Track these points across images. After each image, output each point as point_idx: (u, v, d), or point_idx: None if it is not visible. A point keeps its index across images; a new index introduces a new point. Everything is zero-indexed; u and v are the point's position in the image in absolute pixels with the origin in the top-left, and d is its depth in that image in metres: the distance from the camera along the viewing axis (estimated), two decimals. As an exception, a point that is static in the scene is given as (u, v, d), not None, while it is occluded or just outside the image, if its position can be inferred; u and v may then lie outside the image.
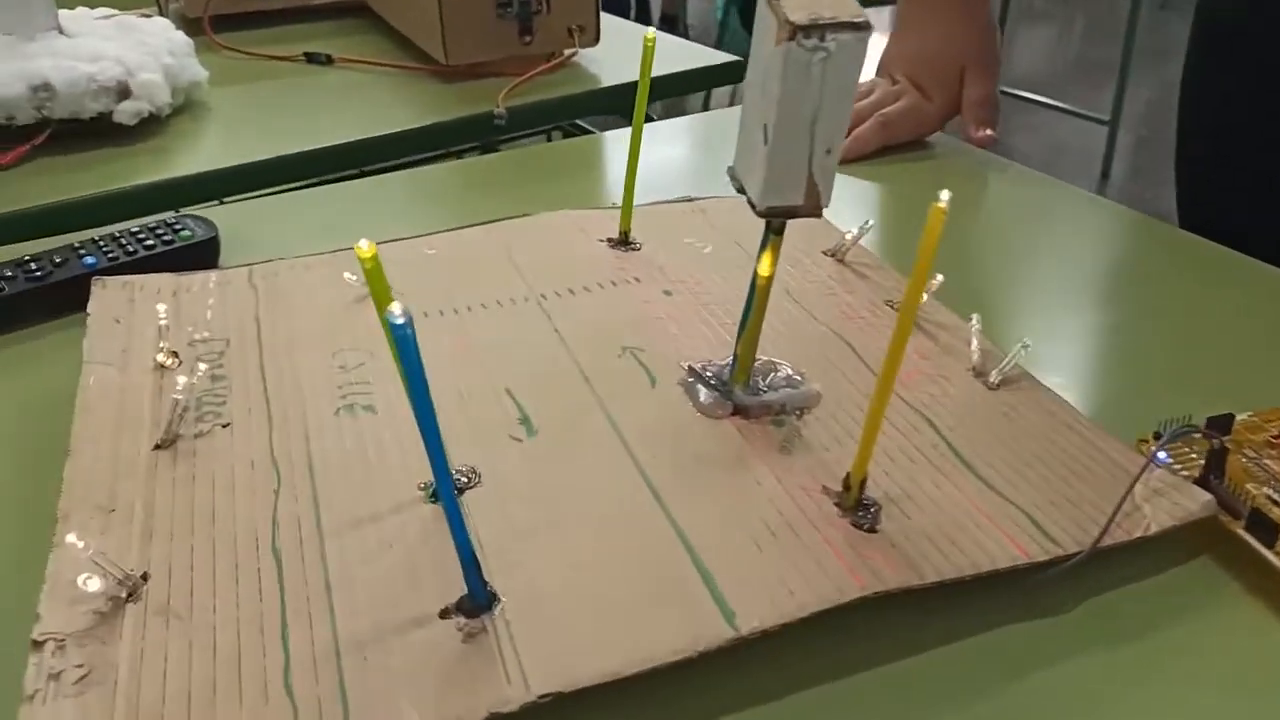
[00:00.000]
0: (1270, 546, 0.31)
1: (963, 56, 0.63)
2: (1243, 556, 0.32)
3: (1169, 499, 0.33)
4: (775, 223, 0.33)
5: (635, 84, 0.45)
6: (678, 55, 0.85)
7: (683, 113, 0.69)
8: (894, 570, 0.29)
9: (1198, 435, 0.35)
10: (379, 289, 0.27)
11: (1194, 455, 0.35)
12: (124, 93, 0.63)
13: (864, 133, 0.62)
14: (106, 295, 0.44)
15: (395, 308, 0.23)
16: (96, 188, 0.59)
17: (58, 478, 0.34)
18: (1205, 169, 0.66)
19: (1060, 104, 2.73)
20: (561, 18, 0.78)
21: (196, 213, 0.53)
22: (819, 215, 0.32)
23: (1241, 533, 0.32)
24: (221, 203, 0.63)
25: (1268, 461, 0.35)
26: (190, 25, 0.82)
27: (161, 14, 0.85)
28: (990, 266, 0.52)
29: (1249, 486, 0.34)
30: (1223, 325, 0.45)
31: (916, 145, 0.65)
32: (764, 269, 0.34)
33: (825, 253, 0.49)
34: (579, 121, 0.90)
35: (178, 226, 0.50)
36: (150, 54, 0.65)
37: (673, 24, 3.20)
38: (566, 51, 0.81)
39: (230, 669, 0.27)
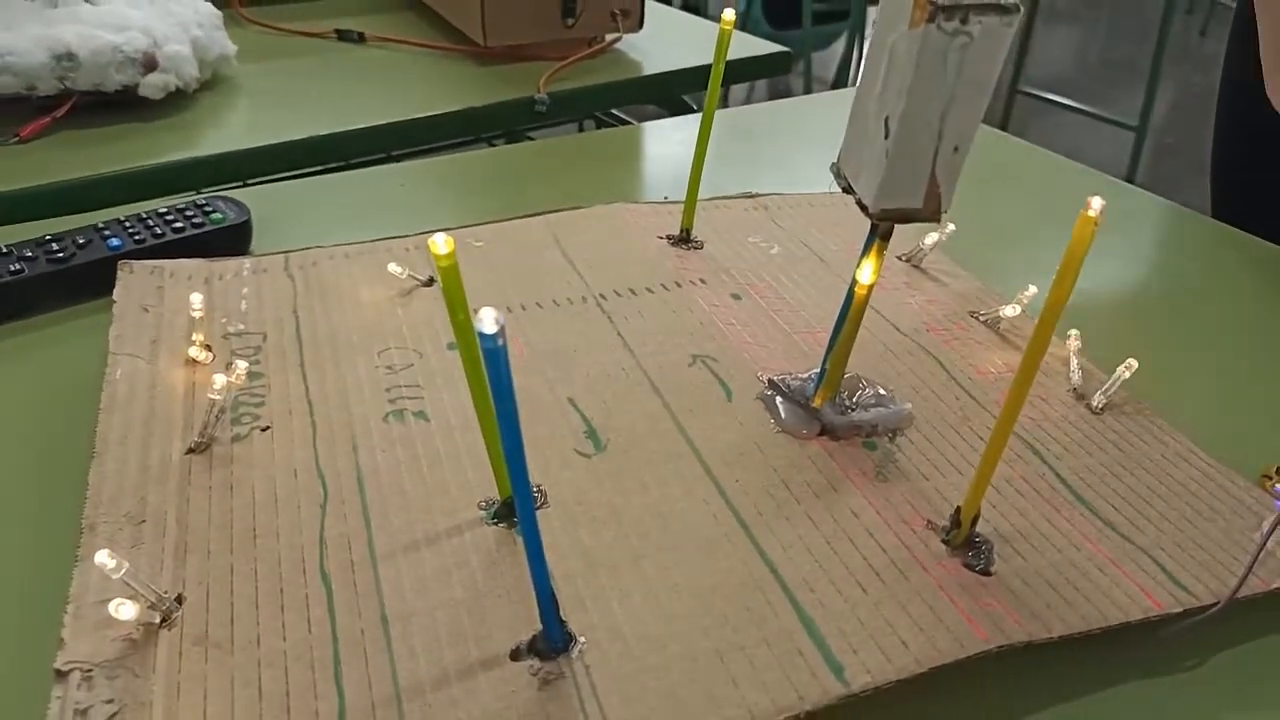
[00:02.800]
0: None
1: None
2: (1389, 611, 0.29)
3: (1307, 545, 0.30)
4: (884, 227, 0.30)
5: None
6: (737, 42, 0.82)
7: (724, 104, 0.65)
8: (1017, 621, 0.26)
9: (1332, 474, 0.32)
10: (454, 291, 0.24)
11: (1325, 495, 0.32)
12: (150, 65, 0.60)
13: None
14: (134, 281, 0.41)
15: (487, 316, 0.20)
16: (119, 164, 0.56)
17: (81, 480, 0.31)
18: (1242, 173, 0.63)
19: (1086, 108, 2.69)
20: (604, 1, 0.74)
21: (226, 194, 0.50)
22: (938, 220, 0.29)
23: (1391, 586, 0.29)
24: (246, 184, 0.60)
25: (1407, 505, 0.32)
26: (218, -3, 0.78)
27: (187, -16, 0.82)
28: (1083, 279, 0.49)
29: (1393, 534, 0.30)
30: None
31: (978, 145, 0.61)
32: (867, 278, 0.31)
33: (900, 257, 0.45)
34: (614, 111, 0.86)
35: (208, 208, 0.47)
36: (179, 25, 0.62)
37: (695, 9, 3.16)
38: (609, 36, 0.77)
39: (278, 710, 0.24)
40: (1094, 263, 0.49)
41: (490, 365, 0.21)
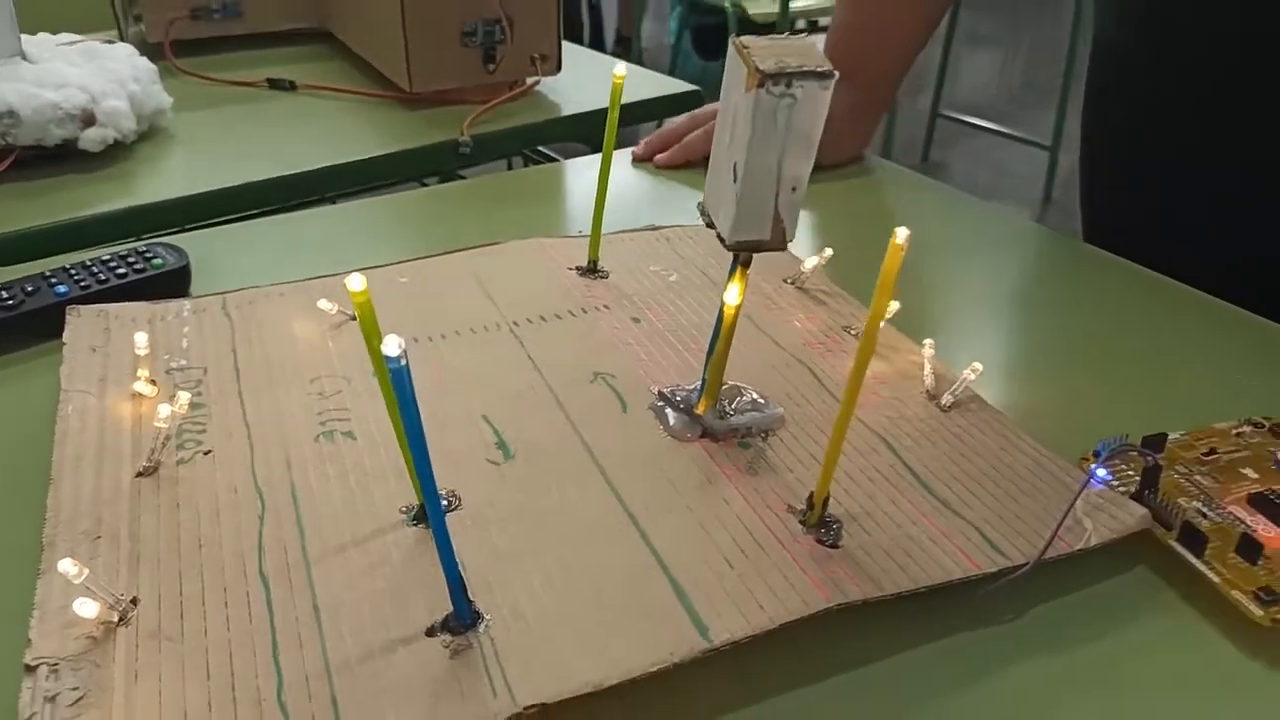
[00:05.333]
0: (1200, 556, 0.34)
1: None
2: (1176, 566, 0.34)
3: (1108, 513, 0.35)
4: (743, 255, 0.35)
5: (597, 111, 0.47)
6: (636, 83, 0.87)
7: (640, 139, 0.71)
8: (856, 583, 0.31)
9: (1134, 453, 0.38)
10: (369, 324, 0.29)
11: (1131, 472, 0.38)
12: (89, 120, 0.64)
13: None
14: (81, 324, 0.44)
15: (390, 342, 0.25)
16: (61, 215, 0.60)
17: (40, 505, 0.35)
18: (1111, 205, 0.69)
19: (1002, 129, 2.82)
20: (524, 46, 0.79)
21: (166, 240, 0.54)
22: (784, 249, 0.34)
23: (1174, 544, 0.34)
24: (185, 229, 0.63)
25: (1198, 477, 0.37)
26: (152, 50, 0.82)
27: (123, 39, 0.85)
28: (941, 293, 0.55)
29: (1180, 501, 0.36)
30: (1156, 348, 0.48)
31: (858, 170, 0.68)
32: (732, 299, 0.36)
33: (786, 280, 0.51)
34: (541, 148, 0.91)
35: (149, 254, 0.51)
36: (115, 81, 0.66)
37: (627, 45, 3.24)
38: (529, 80, 0.82)
39: (224, 688, 0.28)
40: (954, 280, 0.55)
41: (395, 384, 0.26)
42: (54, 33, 0.73)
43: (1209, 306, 0.52)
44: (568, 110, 0.81)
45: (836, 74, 0.30)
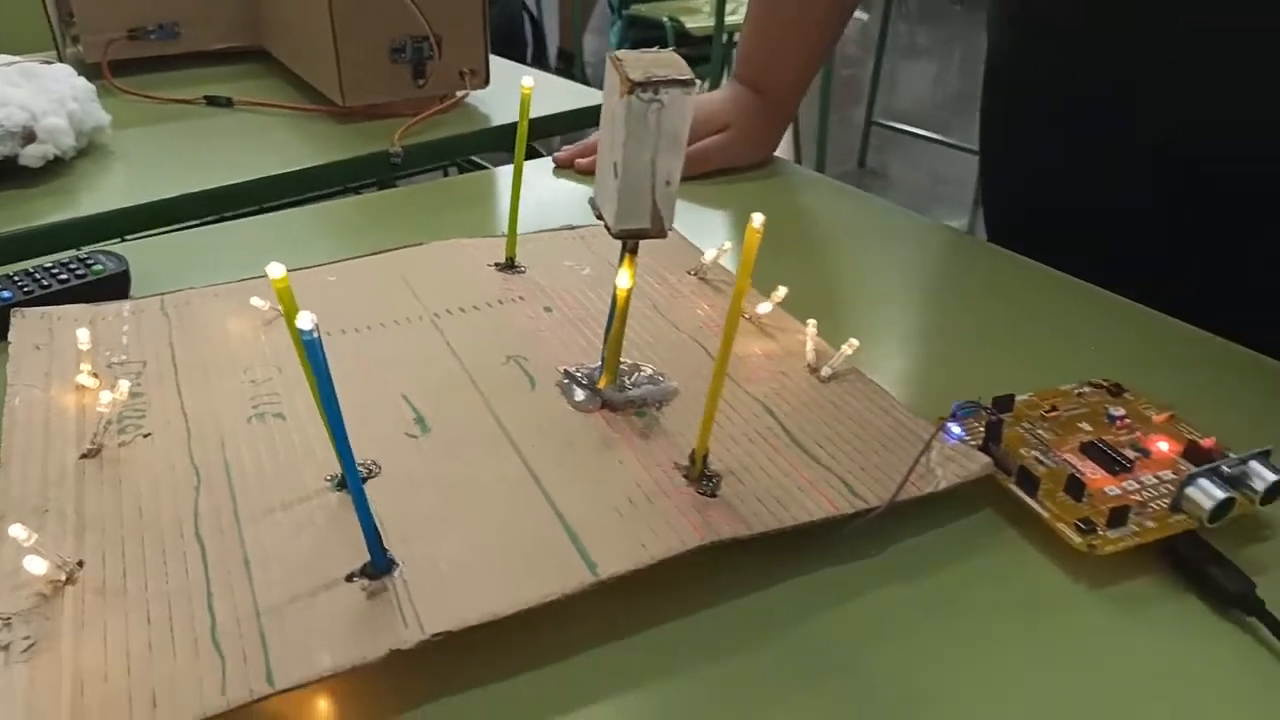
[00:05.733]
0: (1033, 496, 0.39)
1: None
2: (1016, 507, 0.39)
3: (957, 463, 0.40)
4: (630, 243, 0.39)
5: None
6: (566, 95, 0.92)
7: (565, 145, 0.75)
8: (729, 525, 0.36)
9: (982, 412, 0.43)
10: (289, 306, 0.32)
11: (982, 430, 0.43)
12: (29, 137, 0.66)
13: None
14: (26, 325, 0.47)
15: (302, 316, 0.28)
16: (3, 227, 0.62)
17: (-10, 488, 0.38)
18: (1009, 211, 0.75)
19: (936, 136, 2.92)
20: (453, 62, 0.83)
21: (106, 248, 0.57)
22: (664, 236, 0.38)
23: (1012, 487, 0.39)
24: (124, 240, 0.66)
25: (1040, 431, 0.43)
26: (90, 70, 0.84)
27: (60, 59, 0.88)
28: (828, 279, 0.60)
29: (1021, 450, 0.41)
30: (1016, 322, 0.54)
31: (769, 174, 0.73)
32: (623, 283, 0.40)
33: (689, 272, 0.55)
34: (474, 158, 0.95)
35: (90, 261, 0.54)
36: (55, 100, 0.68)
37: (570, 60, 3.29)
38: (458, 93, 0.86)
39: (163, 631, 0.31)
40: (840, 268, 0.60)
41: (309, 354, 0.29)
42: (-8, 54, 0.76)
43: (1066, 284, 0.57)
44: (497, 121, 0.85)
45: (698, 82, 0.35)
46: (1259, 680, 0.33)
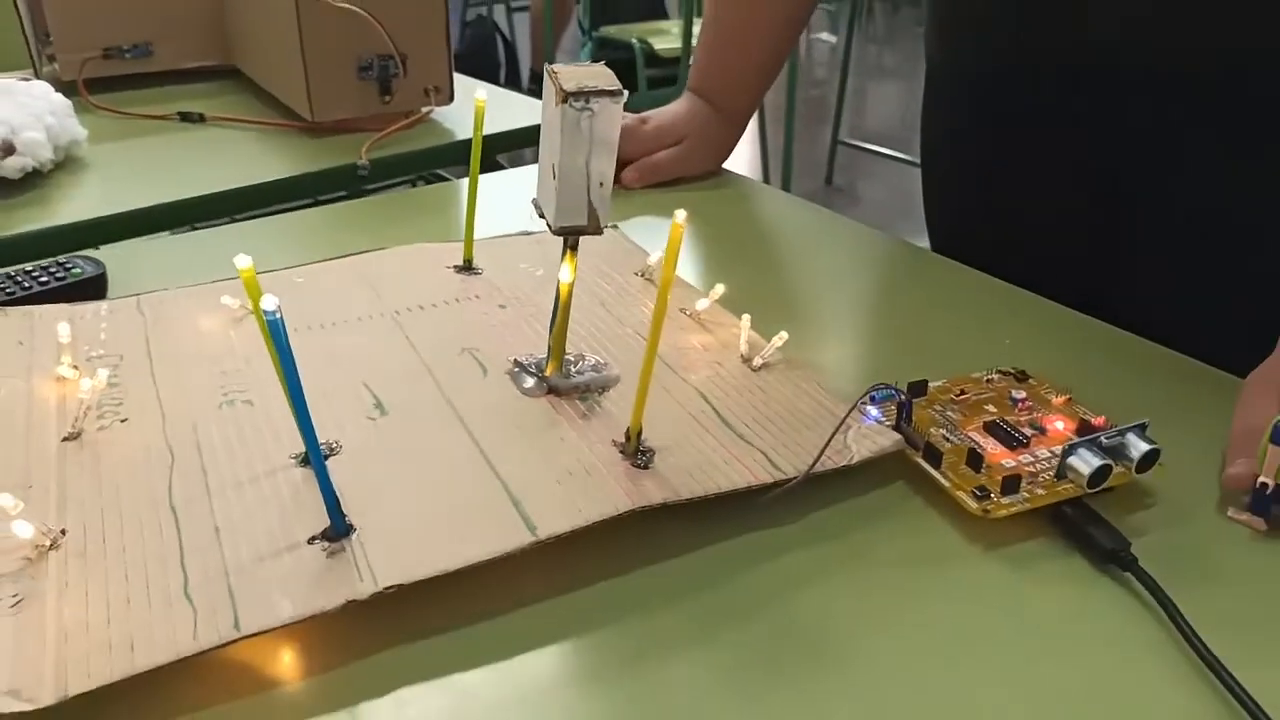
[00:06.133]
0: (937, 468, 0.43)
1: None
2: (923, 480, 0.43)
3: (871, 440, 0.44)
4: (570, 239, 0.43)
5: (489, 137, 0.55)
6: (527, 111, 0.96)
7: (534, 161, 0.79)
8: (659, 492, 0.39)
9: (897, 396, 0.47)
10: (254, 292, 0.36)
11: (896, 411, 0.47)
12: (8, 150, 0.69)
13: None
14: (8, 324, 0.50)
15: (266, 298, 0.32)
16: (-16, 235, 0.65)
17: (-25, 470, 0.41)
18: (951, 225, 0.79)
19: (901, 155, 2.99)
20: (418, 79, 0.87)
21: (83, 254, 0.60)
22: (600, 233, 0.42)
23: (919, 460, 0.43)
24: (100, 248, 0.69)
25: (950, 413, 0.47)
26: (66, 88, 0.87)
27: (37, 76, 0.91)
28: (765, 278, 0.64)
29: (930, 429, 0.45)
30: (936, 317, 0.58)
31: (719, 184, 0.77)
32: (565, 277, 0.44)
33: (636, 273, 0.59)
34: (439, 171, 0.99)
35: (68, 265, 0.57)
36: (33, 115, 0.71)
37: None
38: (424, 109, 0.90)
39: (140, 587, 0.34)
40: (775, 268, 0.64)
41: (272, 333, 0.33)
42: (-29, 72, 0.79)
43: (988, 284, 0.62)
44: (461, 135, 0.89)
45: (626, 92, 0.39)
46: (1132, 625, 0.37)
